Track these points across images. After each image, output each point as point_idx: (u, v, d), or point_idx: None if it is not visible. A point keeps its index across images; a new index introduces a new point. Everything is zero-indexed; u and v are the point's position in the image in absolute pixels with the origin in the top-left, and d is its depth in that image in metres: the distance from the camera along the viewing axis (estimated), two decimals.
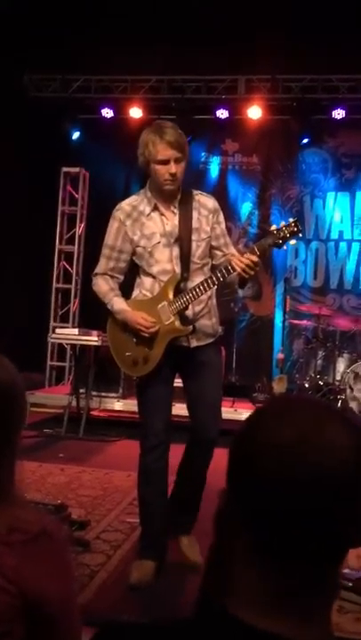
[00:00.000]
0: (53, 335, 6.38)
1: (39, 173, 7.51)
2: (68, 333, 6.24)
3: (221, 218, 2.81)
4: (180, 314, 2.64)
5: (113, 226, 2.74)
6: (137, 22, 6.81)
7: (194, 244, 2.67)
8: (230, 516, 0.73)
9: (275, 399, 0.88)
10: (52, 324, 7.73)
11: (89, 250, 7.97)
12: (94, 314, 7.30)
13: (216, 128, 7.71)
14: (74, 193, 8.04)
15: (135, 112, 7.55)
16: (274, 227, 2.57)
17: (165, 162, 2.57)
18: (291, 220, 2.57)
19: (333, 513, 0.68)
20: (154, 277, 2.69)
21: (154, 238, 2.66)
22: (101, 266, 2.80)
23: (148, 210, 2.69)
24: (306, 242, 7.78)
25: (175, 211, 2.69)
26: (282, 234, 2.54)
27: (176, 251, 2.65)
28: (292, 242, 2.58)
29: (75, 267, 7.96)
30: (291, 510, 0.67)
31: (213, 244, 2.74)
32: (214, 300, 2.83)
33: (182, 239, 2.65)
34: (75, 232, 7.99)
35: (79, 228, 8.01)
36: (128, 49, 6.87)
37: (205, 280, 2.61)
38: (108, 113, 7.69)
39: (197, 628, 0.71)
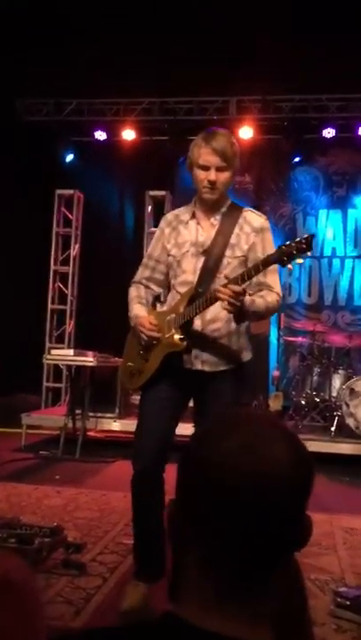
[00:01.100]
0: (49, 356, 6.38)
1: (34, 196, 7.57)
2: (63, 354, 6.24)
3: (268, 241, 2.52)
4: (183, 328, 2.44)
5: (155, 234, 2.68)
6: (128, 45, 6.92)
7: (225, 260, 2.46)
8: (179, 525, 0.77)
9: (219, 415, 0.92)
10: (47, 345, 7.74)
11: (84, 271, 8.02)
12: (90, 334, 7.37)
13: None
14: (68, 214, 8.09)
15: (128, 134, 7.64)
16: (287, 242, 2.26)
17: (206, 168, 2.43)
18: (306, 235, 2.23)
19: (273, 522, 0.73)
20: (176, 290, 2.55)
21: (184, 247, 2.53)
22: (138, 274, 2.69)
23: (187, 218, 2.57)
24: None
25: (215, 223, 2.52)
26: (289, 250, 2.21)
27: (201, 262, 2.48)
28: (299, 260, 2.22)
29: (70, 288, 7.99)
30: (232, 519, 0.73)
31: (249, 265, 2.39)
32: (243, 327, 2.52)
33: (212, 251, 2.47)
34: (69, 253, 8.03)
35: (74, 249, 8.05)
36: (120, 72, 6.98)
37: (210, 293, 2.35)
38: (101, 135, 7.78)
39: (146, 630, 0.75)
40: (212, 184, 2.43)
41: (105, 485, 4.60)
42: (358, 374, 6.00)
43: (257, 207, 7.82)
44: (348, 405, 5.72)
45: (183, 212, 2.62)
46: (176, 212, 2.67)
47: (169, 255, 2.58)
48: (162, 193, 7.71)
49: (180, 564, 0.78)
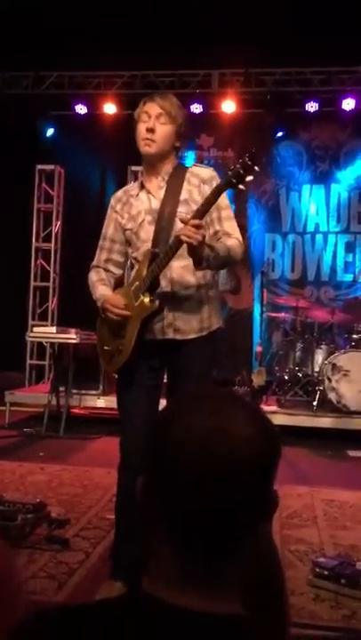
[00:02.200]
0: (31, 334, 6.35)
1: (14, 171, 7.46)
2: (46, 332, 6.22)
3: None
4: (151, 291, 2.36)
5: (107, 214, 2.60)
6: (109, 18, 6.78)
7: (181, 218, 2.32)
8: (147, 502, 0.78)
9: (186, 395, 0.92)
10: (30, 322, 7.70)
11: (66, 247, 7.96)
12: (73, 312, 7.33)
13: (191, 123, 7.63)
14: (49, 190, 7.99)
15: (109, 108, 7.53)
16: (231, 167, 2.22)
17: (147, 117, 2.37)
18: (247, 153, 2.20)
19: (238, 498, 0.74)
20: (138, 259, 2.46)
21: (139, 217, 2.45)
22: (96, 258, 2.62)
23: (136, 191, 2.51)
24: (283, 234, 7.83)
25: (162, 185, 2.44)
26: (235, 171, 2.17)
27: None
28: (249, 178, 2.17)
29: (52, 264, 7.93)
30: (198, 497, 0.73)
31: (206, 218, 2.32)
32: (212, 292, 2.50)
33: (163, 212, 2.39)
34: (51, 230, 7.96)
35: (55, 226, 7.97)
36: (101, 44, 6.84)
37: (171, 242, 2.28)
38: (81, 109, 7.65)
39: (115, 606, 0.76)
40: (151, 131, 2.36)
41: (89, 462, 4.62)
42: (340, 349, 6.04)
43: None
44: (330, 380, 5.77)
45: (132, 187, 2.58)
46: (124, 188, 2.64)
47: (125, 230, 2.50)
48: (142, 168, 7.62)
49: (148, 540, 0.79)
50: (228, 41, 6.71)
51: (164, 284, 2.38)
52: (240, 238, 2.45)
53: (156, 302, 2.35)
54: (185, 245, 2.22)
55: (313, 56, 7.01)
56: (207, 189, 2.37)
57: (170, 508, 0.75)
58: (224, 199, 2.40)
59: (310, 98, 7.29)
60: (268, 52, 6.99)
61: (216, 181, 2.39)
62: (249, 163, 2.16)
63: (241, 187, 2.19)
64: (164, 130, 2.39)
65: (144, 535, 0.80)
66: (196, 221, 2.17)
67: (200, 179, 2.44)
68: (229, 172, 2.20)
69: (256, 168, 2.18)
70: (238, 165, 2.18)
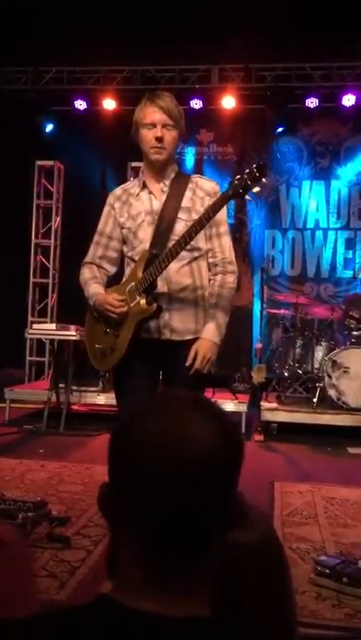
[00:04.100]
0: (31, 331, 6.34)
1: (13, 167, 7.43)
2: (45, 328, 6.20)
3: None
4: (148, 292, 2.37)
5: (104, 211, 2.58)
6: (109, 13, 6.75)
7: (181, 223, 2.39)
8: (111, 507, 0.79)
9: (151, 398, 0.92)
10: (29, 319, 7.69)
11: (66, 243, 7.94)
12: (73, 308, 7.29)
13: (190, 118, 7.61)
14: (49, 186, 7.97)
15: (108, 103, 7.50)
16: (238, 176, 2.25)
17: (152, 125, 2.38)
18: (254, 164, 2.21)
19: (200, 502, 0.74)
20: (133, 258, 2.47)
21: (139, 217, 2.46)
22: (89, 254, 2.60)
23: (137, 190, 2.50)
24: (283, 231, 7.82)
25: (165, 189, 2.46)
26: (242, 182, 2.19)
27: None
28: (256, 189, 2.22)
29: (52, 261, 7.91)
30: (158, 501, 0.73)
31: (205, 231, 2.40)
32: (209, 293, 2.51)
33: (164, 214, 2.41)
34: (51, 226, 7.94)
35: (55, 222, 7.95)
36: (100, 40, 6.80)
37: (172, 247, 2.31)
38: (81, 105, 7.62)
39: (79, 612, 0.76)
40: (160, 140, 2.38)
41: (89, 459, 4.62)
42: (340, 346, 6.04)
43: None
44: (330, 377, 5.77)
45: (132, 186, 2.56)
46: (124, 186, 2.62)
47: (123, 228, 2.50)
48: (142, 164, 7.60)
49: (113, 545, 0.79)
50: (228, 36, 6.68)
51: (161, 285, 2.39)
52: (231, 257, 2.51)
53: (154, 305, 2.36)
54: (190, 250, 2.31)
55: (313, 52, 6.98)
56: (208, 201, 2.41)
57: (132, 510, 0.75)
58: (223, 213, 2.44)
59: (311, 93, 7.27)
60: (269, 48, 6.96)
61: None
62: (257, 174, 2.17)
63: (247, 197, 2.23)
64: (171, 136, 2.42)
65: (110, 540, 0.80)
66: (199, 365, 2.35)
67: (205, 192, 2.48)
68: (236, 182, 2.21)
69: (264, 180, 2.20)
70: (246, 175, 2.19)
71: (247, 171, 2.20)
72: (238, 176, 2.21)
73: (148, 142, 2.41)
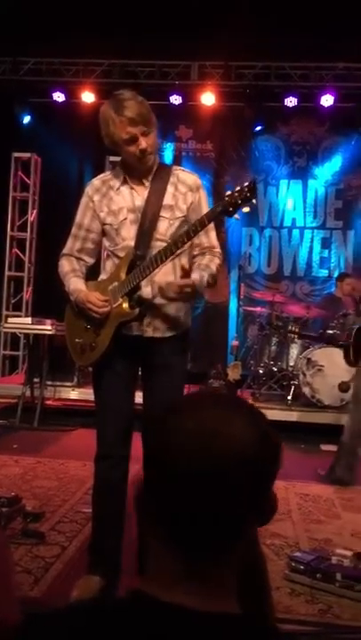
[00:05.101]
0: (6, 324, 6.27)
1: None
2: (21, 322, 6.14)
3: (203, 199, 2.48)
4: (130, 295, 2.37)
5: (82, 202, 2.53)
6: (90, 5, 6.68)
7: (165, 222, 2.39)
8: (145, 503, 0.79)
9: (187, 396, 0.93)
10: (4, 312, 7.60)
11: (42, 237, 7.86)
12: (48, 302, 7.24)
13: (170, 114, 7.66)
14: (25, 178, 7.88)
15: (87, 96, 7.44)
16: (228, 192, 2.23)
17: (132, 140, 2.33)
18: (246, 183, 2.20)
19: (236, 502, 0.75)
20: (118, 258, 2.44)
21: (121, 214, 2.42)
22: (68, 246, 2.56)
23: (117, 184, 2.46)
24: (260, 229, 7.86)
25: (147, 184, 2.44)
26: (233, 200, 2.19)
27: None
28: (246, 209, 2.22)
29: (27, 254, 7.83)
30: (196, 499, 0.74)
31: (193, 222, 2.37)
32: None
33: (147, 213, 2.39)
34: (27, 219, 7.85)
35: (31, 215, 7.87)
36: (81, 32, 6.74)
37: (158, 254, 2.30)
38: (59, 97, 7.55)
39: (113, 607, 0.76)
40: (145, 152, 2.35)
41: (63, 454, 4.59)
42: (315, 344, 6.10)
43: (218, 176, 7.87)
44: (304, 375, 5.82)
45: (112, 178, 2.51)
46: (102, 177, 2.57)
47: (104, 224, 2.46)
48: (119, 159, 7.56)
49: (145, 540, 0.79)
50: (208, 33, 6.68)
51: (145, 283, 2.38)
52: (220, 250, 2.54)
53: (136, 310, 2.36)
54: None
55: (293, 51, 7.01)
56: (196, 199, 2.43)
57: (167, 506, 0.76)
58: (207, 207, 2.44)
59: (290, 93, 7.31)
60: (249, 46, 6.97)
61: (202, 190, 2.49)
62: (247, 193, 2.17)
63: (236, 216, 2.22)
64: (152, 139, 2.38)
65: (141, 536, 0.81)
66: (182, 282, 2.26)
67: (187, 187, 2.46)
68: (226, 199, 2.20)
69: (254, 201, 2.20)
70: (237, 194, 2.18)
71: (238, 189, 2.19)
72: (229, 192, 2.20)
73: (134, 156, 2.37)
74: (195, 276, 2.32)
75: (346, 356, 4.60)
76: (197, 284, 2.30)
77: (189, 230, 2.27)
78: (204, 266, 2.42)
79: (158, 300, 2.40)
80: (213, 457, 0.73)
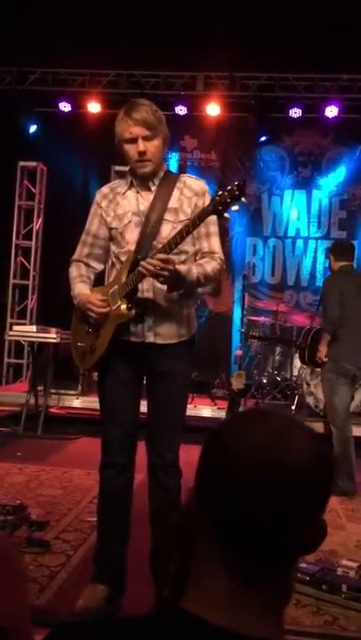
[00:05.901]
0: (11, 332, 6.29)
1: None
2: (25, 330, 6.16)
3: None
4: (129, 297, 2.37)
5: (91, 210, 2.58)
6: (96, 16, 6.75)
7: (168, 226, 2.39)
8: (196, 513, 0.77)
9: (246, 410, 0.92)
10: (9, 320, 7.62)
11: (47, 245, 7.89)
12: (53, 310, 7.27)
13: (175, 124, 7.68)
14: (31, 187, 7.92)
15: (93, 106, 7.49)
16: (219, 192, 2.24)
17: (133, 140, 2.38)
18: (236, 182, 2.21)
19: (291, 520, 0.73)
20: (121, 262, 2.46)
21: (125, 218, 2.45)
22: (77, 252, 2.60)
23: (124, 189, 2.50)
24: (264, 239, 7.88)
25: (153, 189, 2.46)
26: (222, 199, 2.20)
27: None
28: (235, 207, 2.24)
29: (32, 262, 7.86)
30: (252, 514, 0.72)
31: (194, 233, 2.37)
32: (191, 303, 2.55)
33: (150, 216, 2.40)
34: (32, 227, 7.89)
35: (37, 224, 7.91)
36: (87, 43, 6.80)
37: (154, 255, 2.29)
38: (65, 107, 7.61)
39: (153, 625, 0.74)
40: (142, 154, 2.38)
41: (67, 462, 4.59)
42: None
43: (222, 185, 7.86)
44: (308, 385, 5.83)
45: (119, 184, 2.56)
46: (111, 184, 2.62)
47: (111, 229, 2.49)
48: (127, 168, 7.60)
49: (189, 556, 0.77)
50: (213, 44, 6.73)
51: (146, 288, 2.39)
52: (222, 257, 2.50)
53: (133, 311, 2.37)
54: (177, 253, 2.26)
55: (297, 62, 7.06)
56: (201, 203, 2.42)
57: (224, 524, 0.74)
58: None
59: (294, 104, 7.35)
60: (254, 57, 7.02)
61: (208, 195, 2.45)
62: (236, 192, 2.18)
63: (226, 215, 2.23)
64: (154, 146, 2.40)
65: (183, 552, 0.78)
66: (163, 256, 2.23)
67: (193, 192, 2.47)
68: (216, 198, 2.22)
69: (243, 199, 2.22)
70: (226, 193, 2.20)
71: (228, 188, 2.20)
72: (220, 192, 2.22)
73: (132, 157, 2.42)
74: (183, 266, 2.32)
75: (301, 357, 4.81)
76: (183, 272, 2.28)
77: (182, 231, 2.28)
78: (197, 264, 2.42)
79: (160, 301, 2.39)
80: (276, 473, 0.72)
